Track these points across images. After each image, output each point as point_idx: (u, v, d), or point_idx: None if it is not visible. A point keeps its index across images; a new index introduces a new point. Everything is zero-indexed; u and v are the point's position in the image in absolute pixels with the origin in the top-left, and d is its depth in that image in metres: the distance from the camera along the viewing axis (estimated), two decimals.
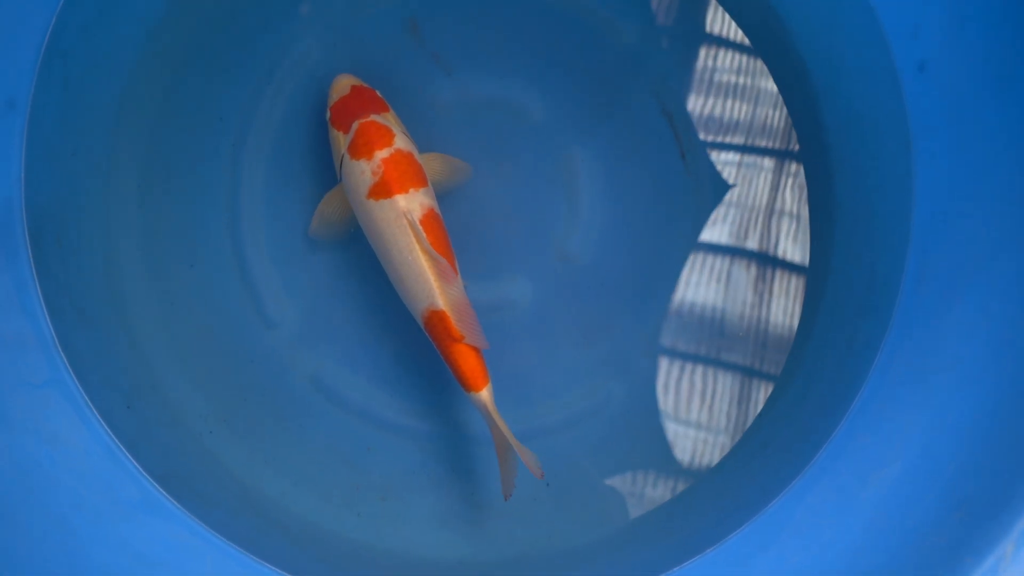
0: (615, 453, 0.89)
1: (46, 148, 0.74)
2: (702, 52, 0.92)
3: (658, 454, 0.88)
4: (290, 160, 0.89)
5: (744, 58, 0.91)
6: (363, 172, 0.76)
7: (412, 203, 0.75)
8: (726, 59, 0.92)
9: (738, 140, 0.91)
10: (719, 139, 0.92)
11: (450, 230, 0.86)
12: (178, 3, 0.86)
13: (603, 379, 0.90)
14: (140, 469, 0.69)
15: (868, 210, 0.79)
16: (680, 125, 0.92)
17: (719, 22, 0.91)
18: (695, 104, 0.92)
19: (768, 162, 0.91)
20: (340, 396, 0.88)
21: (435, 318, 0.74)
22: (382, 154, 0.76)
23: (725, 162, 0.92)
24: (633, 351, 0.91)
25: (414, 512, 0.85)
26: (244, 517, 0.80)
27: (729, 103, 0.92)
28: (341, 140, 0.79)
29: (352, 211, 0.80)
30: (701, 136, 0.92)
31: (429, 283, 0.74)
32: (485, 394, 0.73)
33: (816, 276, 0.86)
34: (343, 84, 0.83)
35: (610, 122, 0.92)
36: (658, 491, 0.86)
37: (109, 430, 0.69)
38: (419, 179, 0.78)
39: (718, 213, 0.91)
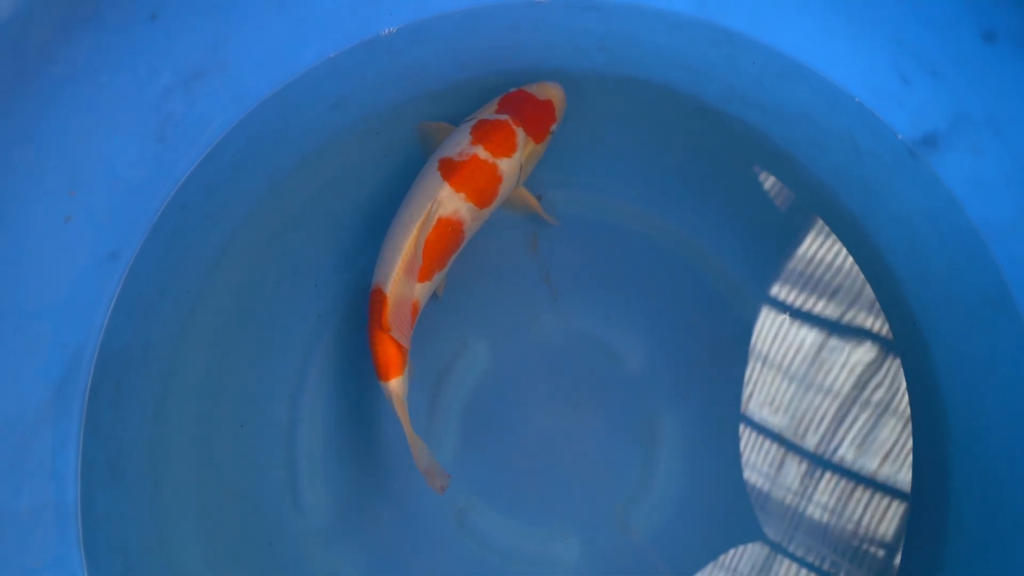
0: None
1: (137, 293, 0.73)
2: (836, 350, 0.85)
3: None
4: (366, 362, 0.84)
5: (879, 379, 0.84)
6: (458, 144, 0.75)
7: (451, 203, 0.73)
8: (852, 367, 0.85)
9: (846, 458, 0.83)
10: (823, 449, 0.83)
11: (510, 459, 0.80)
12: (307, 164, 0.85)
13: None
14: None
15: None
16: (782, 418, 0.84)
17: (860, 333, 0.84)
18: (803, 409, 0.84)
19: (872, 504, 0.82)
20: None
21: (377, 297, 0.73)
22: (482, 153, 0.74)
23: (823, 475, 0.83)
24: None
25: None
26: None
27: (844, 408, 0.84)
28: (489, 109, 0.78)
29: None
30: (798, 439, 0.83)
31: (394, 266, 0.72)
32: (393, 384, 0.72)
33: None
34: (547, 88, 0.80)
35: (708, 393, 0.85)
36: None
37: None
38: (480, 197, 0.75)
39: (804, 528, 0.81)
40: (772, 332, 0.86)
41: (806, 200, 0.86)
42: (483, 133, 0.75)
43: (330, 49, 0.72)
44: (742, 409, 0.85)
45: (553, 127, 0.79)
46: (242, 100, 0.71)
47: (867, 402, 0.84)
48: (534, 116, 0.78)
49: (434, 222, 0.73)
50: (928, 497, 0.80)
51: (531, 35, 0.81)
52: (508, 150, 0.76)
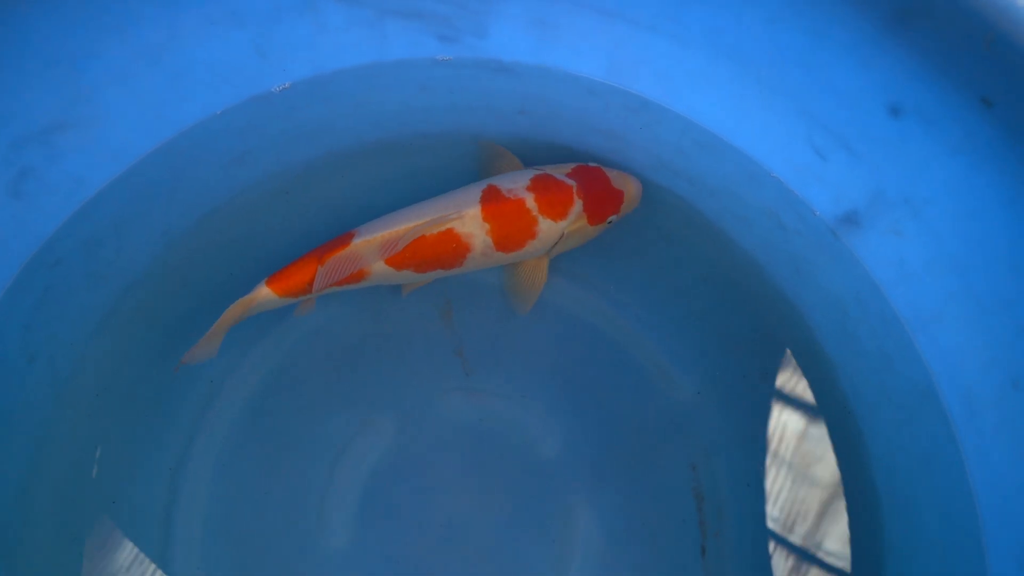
0: None
1: None
2: (769, 442, 0.78)
3: None
4: (258, 438, 0.79)
5: (816, 469, 0.77)
6: (514, 182, 0.73)
7: (471, 225, 0.71)
8: (791, 456, 0.78)
9: (789, 557, 0.75)
10: (754, 548, 0.76)
11: (410, 548, 0.74)
12: (208, 223, 0.80)
13: None
14: None
15: None
16: (710, 513, 0.77)
17: (794, 421, 0.78)
18: (737, 497, 0.77)
19: None
20: None
21: (344, 238, 0.72)
22: (530, 202, 0.72)
23: None
24: None
25: None
26: None
27: (778, 509, 0.76)
28: (561, 169, 0.76)
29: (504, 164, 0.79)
30: (732, 536, 0.76)
31: (378, 231, 0.71)
32: (264, 293, 0.71)
33: None
34: (626, 180, 0.76)
35: (629, 485, 0.78)
36: None
37: None
38: (502, 239, 0.72)
39: None
40: (702, 419, 0.79)
41: (739, 278, 0.81)
42: (542, 186, 0.73)
43: (217, 104, 0.68)
44: (665, 504, 0.78)
45: (613, 218, 0.75)
46: (118, 155, 0.66)
47: (806, 494, 0.77)
48: (599, 198, 0.74)
49: (443, 228, 0.70)
50: None
51: (445, 97, 0.77)
52: (557, 214, 0.72)
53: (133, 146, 0.66)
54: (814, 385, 0.77)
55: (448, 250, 0.72)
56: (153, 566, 0.75)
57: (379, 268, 0.72)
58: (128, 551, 0.75)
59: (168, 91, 0.64)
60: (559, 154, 0.82)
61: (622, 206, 0.75)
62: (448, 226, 0.71)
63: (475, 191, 0.73)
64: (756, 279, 0.79)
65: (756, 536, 0.77)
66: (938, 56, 0.46)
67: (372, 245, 0.70)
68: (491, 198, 0.72)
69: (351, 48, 0.67)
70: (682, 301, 0.82)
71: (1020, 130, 0.45)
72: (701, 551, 0.76)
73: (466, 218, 0.71)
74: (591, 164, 0.76)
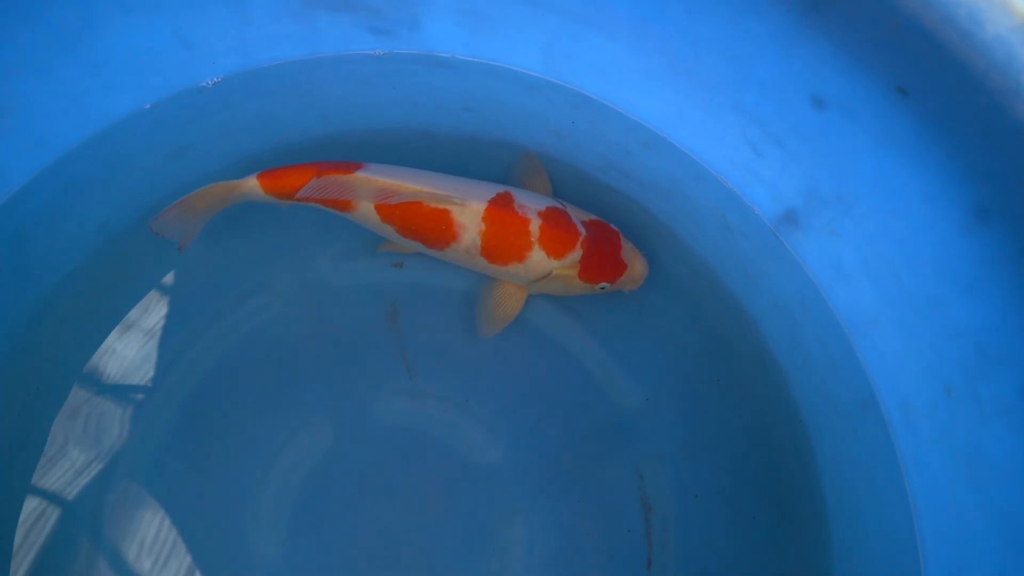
0: None
1: None
2: (719, 451, 0.75)
3: None
4: (193, 439, 0.77)
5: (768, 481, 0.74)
6: (531, 202, 0.73)
7: (468, 217, 0.71)
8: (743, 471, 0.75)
9: None
10: (701, 562, 0.73)
11: (344, 559, 0.73)
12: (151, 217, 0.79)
13: None
14: None
15: None
16: (656, 525, 0.74)
17: (744, 430, 0.75)
18: (684, 509, 0.74)
19: None
20: None
21: (351, 165, 0.71)
22: (533, 226, 0.71)
23: None
24: None
25: None
26: None
27: (727, 522, 0.73)
28: (581, 215, 0.75)
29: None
30: (678, 548, 0.73)
31: (383, 178, 0.70)
32: (251, 184, 0.71)
33: None
34: (635, 258, 0.74)
35: (573, 494, 0.75)
36: None
37: None
38: (490, 248, 0.72)
39: None
40: (650, 426, 0.77)
41: (689, 281, 0.78)
42: (553, 219, 0.71)
43: (145, 97, 0.66)
44: (611, 514, 0.75)
45: (604, 285, 0.74)
46: (42, 145, 0.65)
47: (756, 507, 0.74)
48: (601, 259, 0.72)
49: (440, 204, 0.69)
50: None
51: (388, 92, 0.75)
52: (553, 251, 0.71)
53: (58, 136, 0.65)
54: (765, 392, 0.74)
55: (436, 229, 0.71)
56: (80, 567, 0.73)
57: (366, 209, 0.71)
58: (55, 549, 0.73)
59: (89, 81, 0.63)
60: (507, 153, 0.80)
61: (619, 279, 0.73)
62: (446, 207, 0.70)
63: (491, 189, 0.72)
64: (706, 282, 0.77)
65: (704, 550, 0.74)
66: (852, 43, 0.44)
67: (371, 185, 0.70)
68: (501, 203, 0.71)
69: (282, 41, 0.66)
70: (632, 305, 0.79)
71: (936, 120, 0.43)
72: (647, 564, 0.74)
73: (467, 209, 0.70)
74: (613, 226, 0.74)
